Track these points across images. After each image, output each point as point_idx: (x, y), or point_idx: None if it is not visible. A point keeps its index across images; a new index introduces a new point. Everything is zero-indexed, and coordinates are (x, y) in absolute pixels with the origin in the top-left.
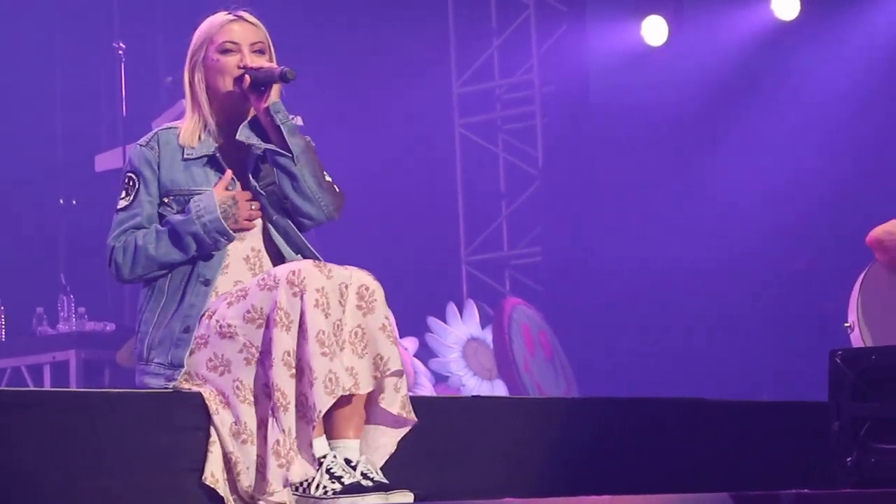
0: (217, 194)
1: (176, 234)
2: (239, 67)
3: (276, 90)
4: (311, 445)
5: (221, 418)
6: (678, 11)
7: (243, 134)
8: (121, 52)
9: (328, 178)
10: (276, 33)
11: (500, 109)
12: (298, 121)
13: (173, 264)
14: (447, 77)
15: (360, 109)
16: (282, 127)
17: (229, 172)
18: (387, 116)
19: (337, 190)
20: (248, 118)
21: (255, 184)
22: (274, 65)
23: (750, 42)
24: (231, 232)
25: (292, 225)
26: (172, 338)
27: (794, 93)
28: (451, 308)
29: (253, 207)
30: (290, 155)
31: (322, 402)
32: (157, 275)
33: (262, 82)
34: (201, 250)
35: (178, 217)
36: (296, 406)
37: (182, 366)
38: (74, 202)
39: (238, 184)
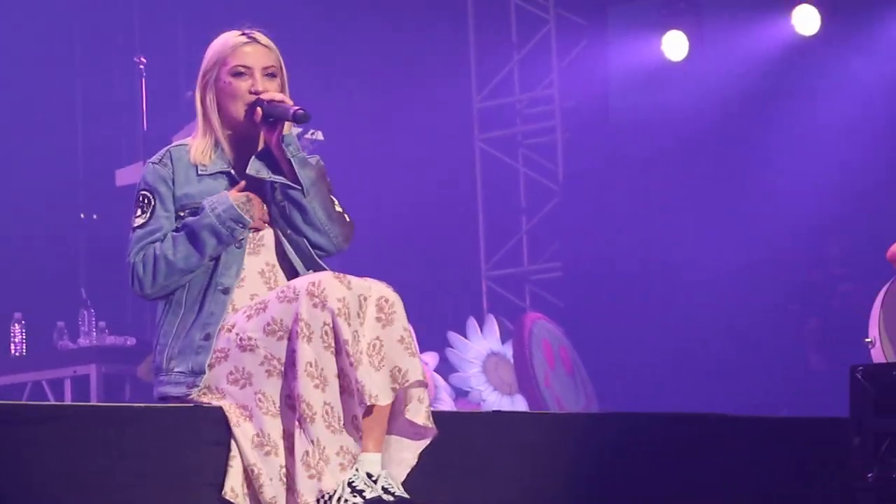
0: (230, 193)
1: (192, 233)
2: (251, 93)
3: (287, 123)
4: (338, 454)
5: (243, 430)
6: (698, 26)
7: (254, 167)
8: (142, 66)
9: (338, 209)
10: (294, 48)
11: (520, 124)
12: (319, 135)
13: (193, 269)
14: (467, 91)
15: (380, 124)
16: (292, 160)
17: (243, 183)
18: (407, 131)
19: (347, 219)
20: (259, 148)
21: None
22: (288, 101)
23: (770, 57)
24: (246, 218)
25: (305, 241)
26: (193, 346)
27: (814, 108)
28: (472, 323)
29: (264, 208)
30: (299, 188)
31: (359, 412)
32: (178, 283)
33: (274, 117)
34: (220, 244)
35: (190, 218)
36: (322, 416)
37: (203, 372)
38: (95, 216)
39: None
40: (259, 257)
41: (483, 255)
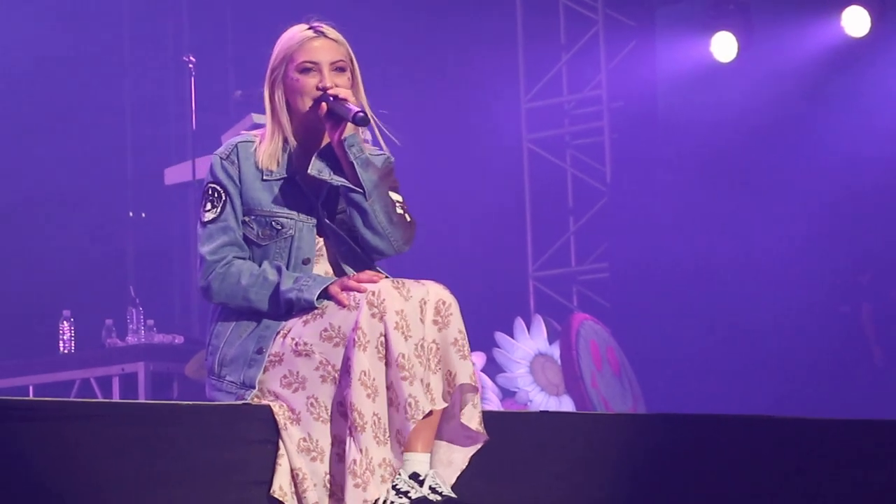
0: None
1: (276, 294)
2: (318, 89)
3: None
4: (380, 465)
5: (290, 433)
6: (748, 28)
7: (315, 167)
8: (191, 65)
9: (399, 211)
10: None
11: (568, 125)
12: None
13: (261, 312)
14: (516, 92)
15: (429, 124)
16: (355, 162)
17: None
18: (455, 131)
19: (408, 219)
20: (321, 146)
21: (323, 213)
22: (353, 100)
23: (820, 58)
24: (315, 305)
25: (361, 256)
26: (246, 357)
27: (864, 110)
28: (519, 323)
29: (353, 293)
30: (361, 191)
31: (406, 427)
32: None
33: (337, 114)
34: (289, 312)
35: (286, 280)
36: (371, 426)
37: (254, 386)
38: (144, 215)
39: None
40: (318, 266)
41: (531, 255)
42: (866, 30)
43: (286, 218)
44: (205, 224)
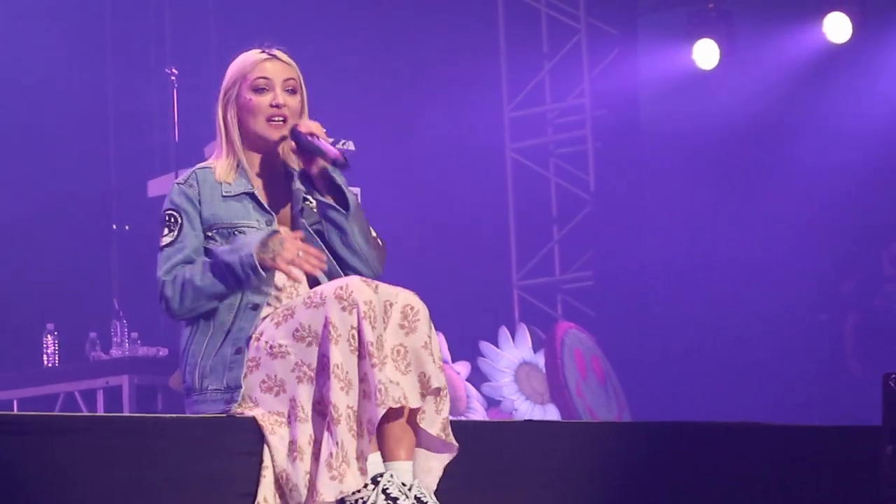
0: (259, 242)
1: (218, 265)
2: (271, 106)
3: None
4: (358, 458)
5: (280, 436)
6: (730, 35)
7: (296, 185)
8: (173, 77)
9: (373, 234)
10: (325, 57)
11: (551, 133)
12: (350, 145)
13: (219, 295)
14: (498, 101)
15: (412, 133)
16: (342, 184)
17: (300, 233)
18: (438, 140)
19: (381, 244)
20: (298, 169)
21: (304, 222)
22: (325, 139)
23: (802, 65)
24: (260, 270)
25: (333, 260)
26: (225, 362)
27: (846, 116)
28: (504, 332)
29: (301, 254)
30: (344, 212)
31: (375, 414)
32: (206, 307)
33: (309, 152)
34: (238, 284)
35: (223, 248)
36: (346, 419)
37: (240, 386)
38: (127, 227)
39: (275, 219)
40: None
41: (515, 264)
42: (848, 36)
43: (248, 227)
44: (162, 248)
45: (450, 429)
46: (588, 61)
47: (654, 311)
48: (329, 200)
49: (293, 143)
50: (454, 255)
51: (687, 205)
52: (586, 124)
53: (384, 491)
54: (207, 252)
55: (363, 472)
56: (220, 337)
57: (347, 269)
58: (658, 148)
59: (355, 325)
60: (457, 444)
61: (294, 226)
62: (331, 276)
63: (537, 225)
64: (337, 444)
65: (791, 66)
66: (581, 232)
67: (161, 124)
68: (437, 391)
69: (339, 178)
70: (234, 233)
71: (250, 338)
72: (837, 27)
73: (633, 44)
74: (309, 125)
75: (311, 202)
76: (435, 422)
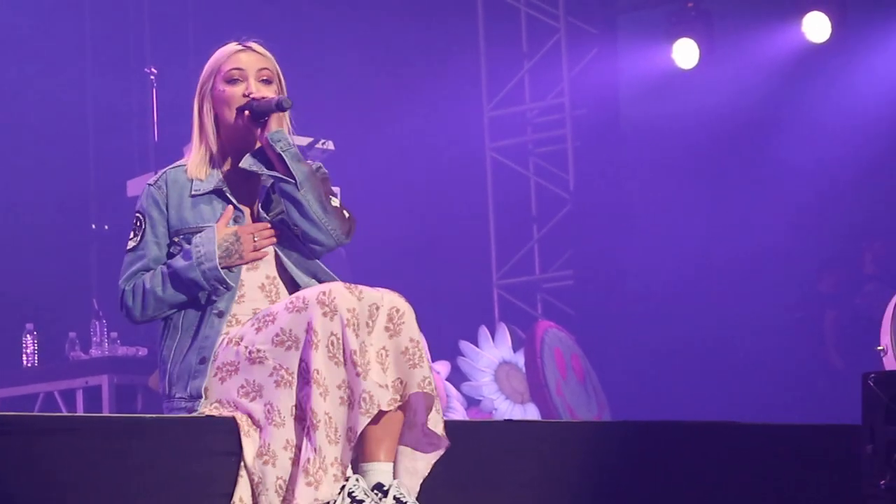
0: (218, 233)
1: (179, 279)
2: (244, 96)
3: (276, 120)
4: (334, 465)
5: (252, 440)
6: (709, 34)
7: (247, 162)
8: (153, 77)
9: (335, 203)
10: (303, 57)
11: (531, 133)
12: (329, 145)
13: (184, 304)
14: (478, 100)
15: (392, 133)
16: (283, 154)
17: (230, 209)
18: (418, 140)
19: (346, 215)
20: (254, 148)
21: (265, 214)
22: (272, 95)
23: (781, 64)
24: (229, 283)
25: (304, 251)
26: (190, 370)
27: (825, 115)
28: (483, 332)
29: (256, 238)
30: (293, 181)
31: (359, 422)
32: (169, 313)
33: (261, 113)
34: (206, 295)
35: (181, 262)
36: (324, 425)
37: (201, 396)
38: (106, 227)
39: (245, 215)
40: (258, 272)
41: (494, 263)
42: (827, 35)
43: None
44: (126, 253)
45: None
46: (567, 60)
47: (633, 310)
48: (277, 174)
49: (247, 115)
50: (434, 254)
51: (666, 204)
52: (566, 123)
53: (349, 494)
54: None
55: (336, 479)
56: (187, 343)
57: (310, 241)
58: (637, 147)
59: (336, 331)
60: (448, 442)
61: (254, 216)
62: (297, 262)
63: (517, 224)
64: (315, 450)
65: (770, 65)
66: (561, 231)
67: (140, 124)
68: (427, 395)
69: (285, 149)
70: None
71: (230, 341)
72: (816, 27)
73: (612, 43)
74: (262, 91)
75: (265, 177)
76: (438, 422)
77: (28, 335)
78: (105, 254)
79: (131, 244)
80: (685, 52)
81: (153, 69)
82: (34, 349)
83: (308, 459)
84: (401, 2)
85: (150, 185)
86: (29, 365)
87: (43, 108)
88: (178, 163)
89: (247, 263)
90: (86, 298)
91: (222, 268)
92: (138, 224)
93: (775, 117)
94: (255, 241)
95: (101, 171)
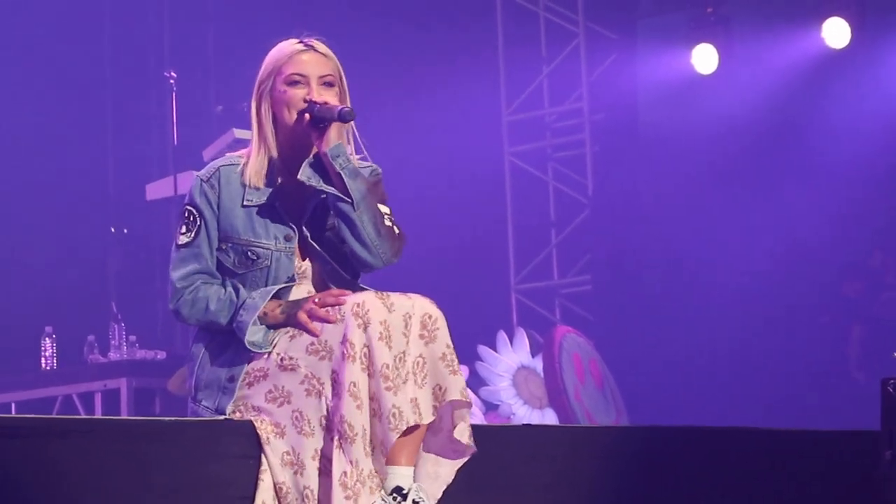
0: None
1: (239, 323)
2: (305, 101)
3: (336, 129)
4: (371, 476)
5: (273, 447)
6: (728, 40)
7: (305, 173)
8: (172, 81)
9: (388, 223)
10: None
11: (549, 137)
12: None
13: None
14: (497, 105)
15: (410, 137)
16: (342, 172)
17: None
18: (436, 144)
19: (397, 232)
20: (311, 155)
21: (307, 234)
22: (336, 102)
23: (800, 70)
24: (245, 343)
25: (347, 271)
26: (219, 384)
27: (845, 121)
28: (502, 336)
29: (326, 309)
30: (349, 201)
31: (388, 438)
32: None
33: (321, 119)
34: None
35: (249, 303)
36: (361, 438)
37: (224, 413)
38: (125, 231)
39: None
40: (301, 288)
41: (513, 268)
42: (846, 41)
43: (263, 248)
44: (178, 247)
45: (472, 434)
46: (586, 65)
47: (651, 315)
48: (333, 191)
49: (306, 119)
50: (452, 258)
51: (685, 209)
52: (585, 128)
53: None
54: (218, 264)
55: (372, 491)
56: (218, 351)
57: (357, 261)
58: (656, 152)
59: (369, 343)
60: (475, 448)
61: (300, 231)
62: (338, 281)
63: (535, 229)
64: (351, 462)
65: (790, 71)
66: (579, 236)
67: (159, 128)
68: (465, 403)
69: (343, 166)
70: (247, 252)
71: (245, 365)
72: (836, 32)
73: (631, 48)
74: (324, 96)
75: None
76: (464, 431)
77: (47, 338)
78: (124, 257)
79: (184, 239)
80: (704, 58)
81: (172, 73)
82: (53, 352)
83: (345, 473)
84: (419, 6)
85: (201, 179)
86: (48, 368)
87: (62, 111)
88: (230, 157)
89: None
90: (104, 302)
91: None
92: (192, 218)
93: (794, 123)
94: (316, 311)
95: (120, 175)
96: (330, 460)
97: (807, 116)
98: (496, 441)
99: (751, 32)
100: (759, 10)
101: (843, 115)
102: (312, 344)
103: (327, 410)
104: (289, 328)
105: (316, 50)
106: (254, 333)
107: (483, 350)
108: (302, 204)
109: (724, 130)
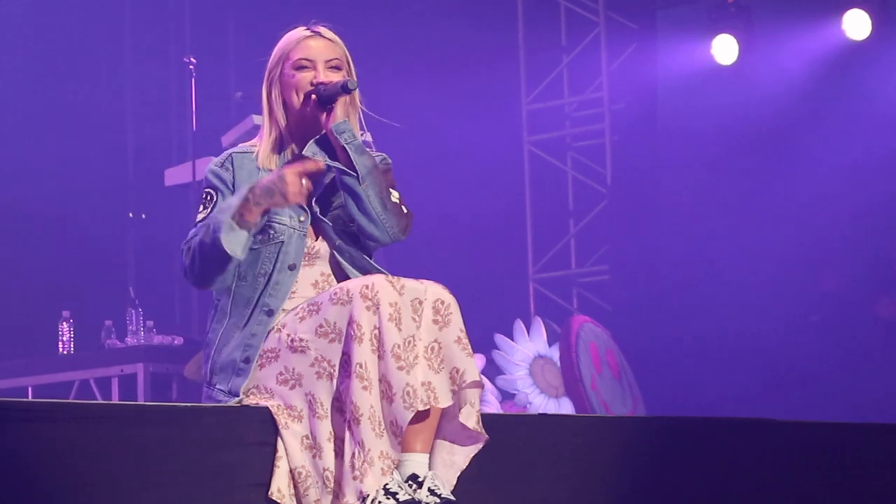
0: (265, 178)
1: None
2: (311, 84)
3: (342, 107)
4: (381, 457)
5: (293, 432)
6: (748, 30)
7: (310, 150)
8: (192, 66)
9: (394, 199)
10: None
11: (569, 127)
12: (367, 136)
13: (222, 251)
14: (516, 94)
15: (429, 125)
16: (347, 147)
17: (316, 164)
18: (455, 133)
19: (404, 210)
20: (319, 135)
21: (317, 209)
22: (338, 79)
23: (821, 61)
24: (229, 226)
25: (358, 249)
26: (234, 367)
27: (864, 113)
28: (519, 325)
29: (304, 181)
30: (354, 174)
31: (402, 416)
32: (219, 272)
33: (327, 98)
34: (233, 228)
35: (223, 205)
36: (368, 419)
37: (238, 395)
38: (144, 216)
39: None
40: (313, 269)
41: (531, 257)
42: (867, 33)
43: (278, 223)
44: (195, 225)
45: (481, 421)
46: (606, 55)
47: (669, 306)
48: (339, 165)
49: (314, 99)
50: (470, 247)
51: (703, 199)
52: (604, 118)
53: (384, 487)
54: None
55: (384, 472)
56: (233, 333)
57: (366, 236)
58: (675, 142)
59: (378, 325)
60: (486, 436)
61: (309, 208)
62: (349, 258)
63: (554, 218)
64: (358, 443)
65: (810, 62)
66: (597, 226)
67: (179, 113)
68: (474, 384)
69: (349, 141)
70: (265, 227)
71: (272, 329)
72: (857, 24)
73: (651, 38)
74: (331, 78)
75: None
76: (471, 415)
77: (64, 322)
78: (142, 242)
79: (200, 216)
80: (724, 48)
81: (192, 59)
82: (70, 336)
83: (353, 454)
84: None
85: (216, 165)
86: (65, 352)
87: (82, 96)
88: (242, 146)
89: (289, 205)
90: (122, 286)
91: (259, 206)
92: (209, 198)
93: (815, 114)
94: (301, 185)
95: (139, 160)
96: (342, 441)
97: (827, 108)
98: (512, 430)
99: (771, 23)
100: (780, 1)
101: (862, 106)
102: (321, 326)
103: (338, 393)
104: (299, 310)
105: (322, 36)
106: (231, 241)
107: (500, 339)
108: (313, 184)
109: (743, 121)
